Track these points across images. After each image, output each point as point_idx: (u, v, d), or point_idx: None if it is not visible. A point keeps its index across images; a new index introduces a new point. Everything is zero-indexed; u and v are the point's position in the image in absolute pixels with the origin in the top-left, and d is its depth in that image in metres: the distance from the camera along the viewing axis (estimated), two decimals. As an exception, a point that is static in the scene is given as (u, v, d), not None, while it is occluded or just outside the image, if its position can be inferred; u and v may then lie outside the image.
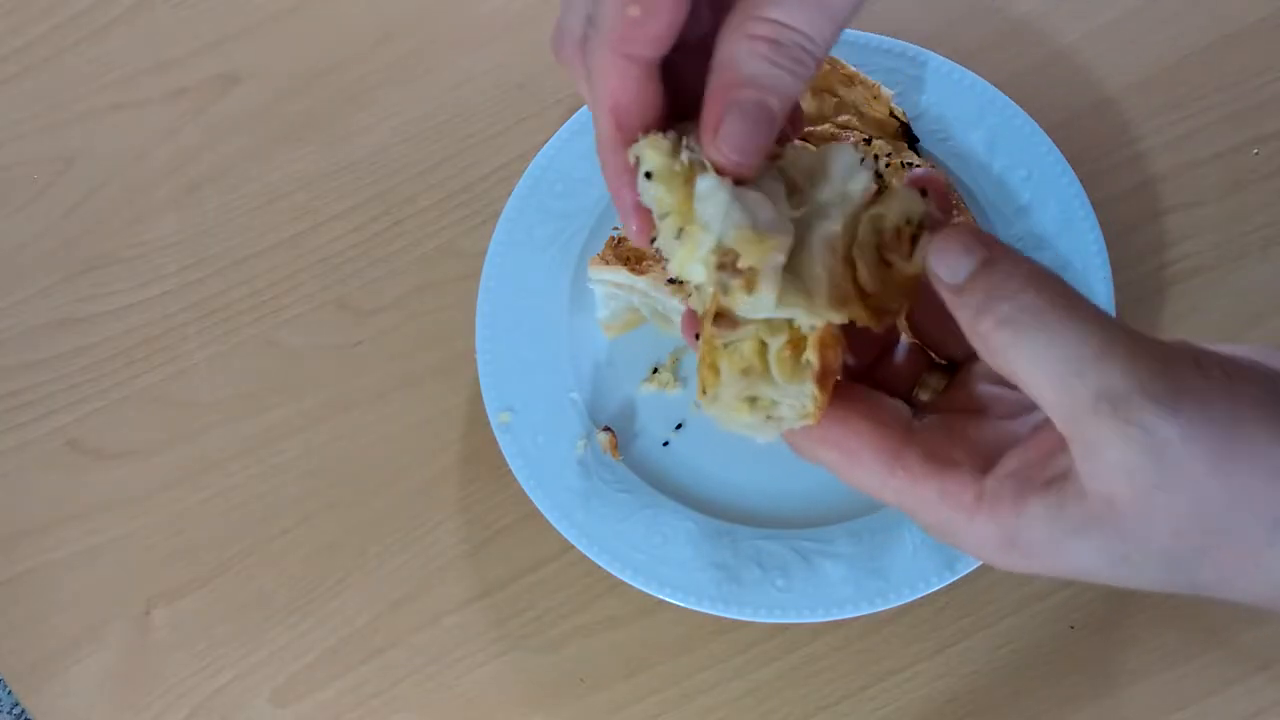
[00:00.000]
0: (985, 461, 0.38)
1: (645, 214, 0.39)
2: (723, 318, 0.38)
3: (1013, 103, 0.71)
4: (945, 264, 0.37)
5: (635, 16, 0.36)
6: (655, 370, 0.69)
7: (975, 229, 0.38)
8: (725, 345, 0.39)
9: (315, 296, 0.74)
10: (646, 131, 0.38)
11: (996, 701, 0.63)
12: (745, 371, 0.38)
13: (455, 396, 0.71)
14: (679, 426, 0.68)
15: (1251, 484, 0.34)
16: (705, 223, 0.36)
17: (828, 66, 0.70)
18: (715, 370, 0.39)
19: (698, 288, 0.39)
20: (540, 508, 0.65)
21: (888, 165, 0.69)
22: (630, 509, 0.65)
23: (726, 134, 0.36)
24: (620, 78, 0.37)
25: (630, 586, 0.63)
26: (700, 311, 0.40)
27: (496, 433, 0.66)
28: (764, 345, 0.38)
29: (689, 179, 0.37)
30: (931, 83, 0.72)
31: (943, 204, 0.40)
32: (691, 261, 0.37)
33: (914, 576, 0.62)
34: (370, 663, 0.66)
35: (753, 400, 0.38)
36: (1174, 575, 0.36)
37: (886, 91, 0.70)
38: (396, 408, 0.71)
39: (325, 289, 0.74)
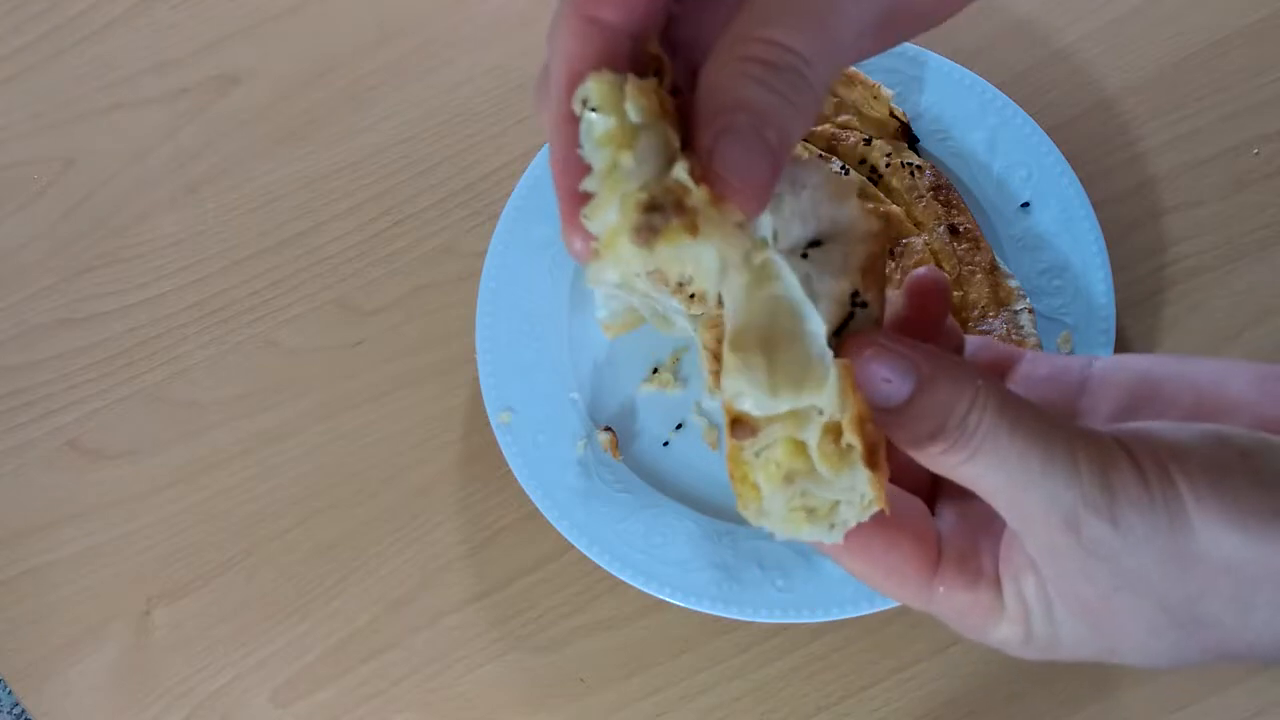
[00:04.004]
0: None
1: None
2: (741, 424, 0.34)
3: (1013, 103, 0.71)
4: (873, 388, 0.34)
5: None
6: (655, 370, 0.69)
7: (903, 344, 0.35)
8: (757, 455, 0.35)
9: (315, 296, 0.74)
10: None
11: (996, 701, 0.63)
12: (787, 478, 0.35)
13: (455, 396, 0.71)
14: (679, 426, 0.68)
15: (1206, 578, 0.34)
16: (644, 151, 0.30)
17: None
18: (753, 485, 0.35)
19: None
20: (540, 508, 0.65)
21: (888, 165, 0.69)
22: (630, 509, 0.65)
23: (722, 160, 0.31)
24: (580, 42, 0.32)
25: (630, 586, 0.63)
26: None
27: (496, 433, 0.66)
28: (799, 444, 0.34)
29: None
30: (931, 83, 0.72)
31: (938, 308, 0.39)
32: (611, 199, 0.30)
33: (914, 576, 0.62)
34: (370, 663, 0.66)
35: (810, 511, 0.35)
36: (1165, 660, 0.37)
37: (886, 91, 0.70)
38: (396, 408, 0.71)
39: (325, 289, 0.74)
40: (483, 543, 0.68)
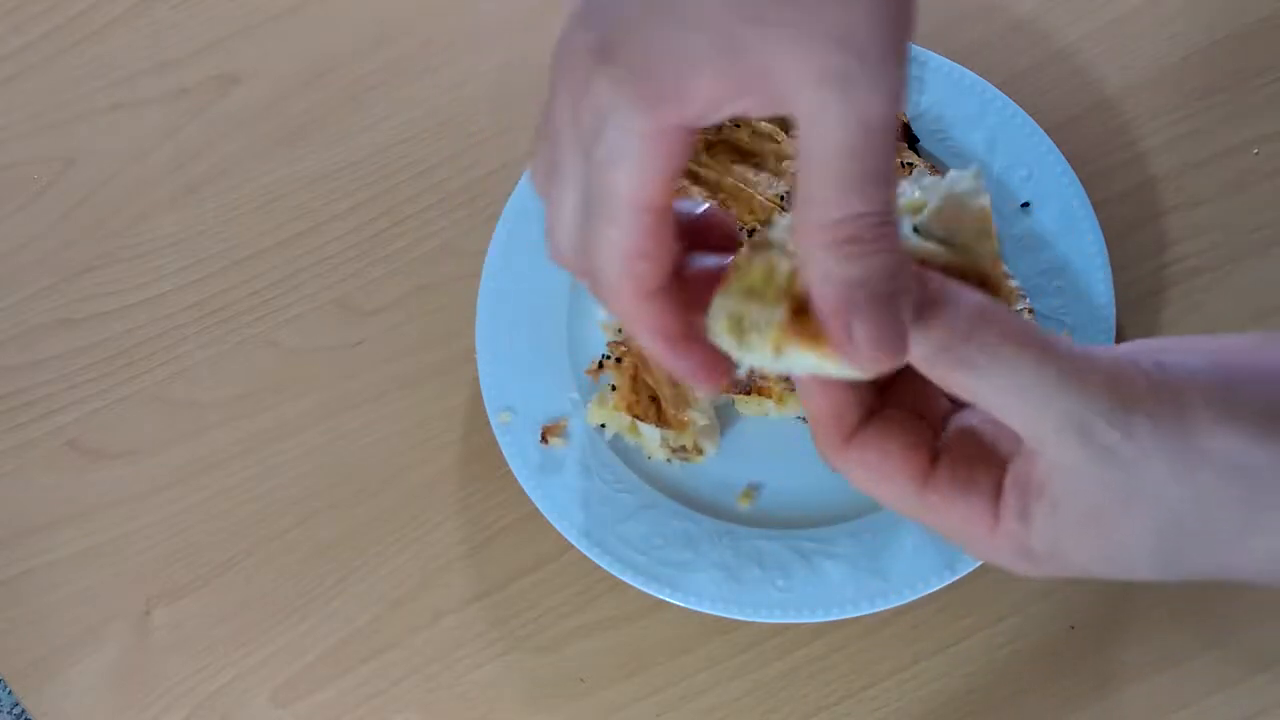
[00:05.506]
0: (1000, 472, 0.39)
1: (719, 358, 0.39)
2: (759, 244, 0.38)
3: (1013, 103, 0.71)
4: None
5: (641, 281, 0.38)
6: (655, 370, 0.69)
7: (923, 269, 0.38)
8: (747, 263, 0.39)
9: (315, 296, 0.74)
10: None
11: (996, 701, 0.63)
12: (748, 292, 0.38)
13: (455, 396, 0.71)
14: (679, 426, 0.68)
15: (1214, 484, 0.36)
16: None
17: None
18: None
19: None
20: (540, 508, 0.65)
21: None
22: (630, 509, 0.65)
23: (863, 346, 0.35)
24: (651, 312, 0.38)
25: (630, 586, 0.63)
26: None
27: (496, 433, 0.66)
28: (770, 274, 0.38)
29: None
30: (931, 83, 0.72)
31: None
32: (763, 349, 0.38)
33: (914, 576, 0.62)
34: (370, 663, 0.66)
35: (738, 321, 0.38)
36: (1167, 570, 0.38)
37: (886, 91, 0.70)
38: (396, 408, 0.71)
39: (325, 289, 0.74)
40: (483, 543, 0.68)
